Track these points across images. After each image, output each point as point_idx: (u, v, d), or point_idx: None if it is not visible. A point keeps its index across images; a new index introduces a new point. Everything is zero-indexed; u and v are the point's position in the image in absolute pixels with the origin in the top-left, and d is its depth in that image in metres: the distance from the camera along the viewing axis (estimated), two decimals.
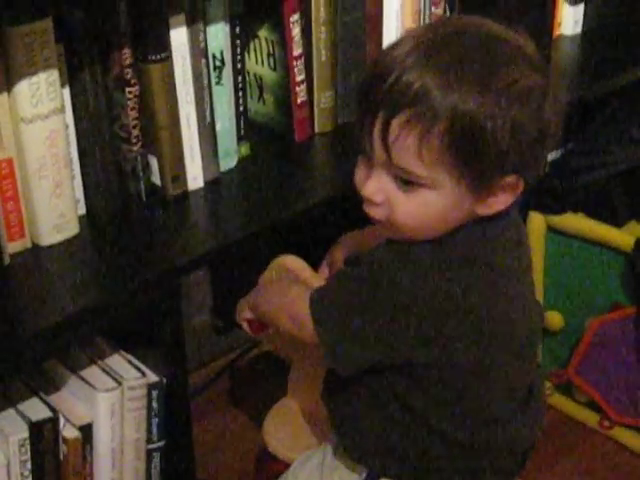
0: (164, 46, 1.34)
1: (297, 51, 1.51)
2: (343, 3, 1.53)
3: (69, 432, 1.35)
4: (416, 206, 1.08)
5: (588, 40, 1.85)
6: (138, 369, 1.39)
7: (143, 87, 1.35)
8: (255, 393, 1.92)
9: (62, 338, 1.26)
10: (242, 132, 1.51)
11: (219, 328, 1.99)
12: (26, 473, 1.32)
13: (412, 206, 1.08)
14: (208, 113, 1.43)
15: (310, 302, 1.16)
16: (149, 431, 1.42)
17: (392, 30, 1.63)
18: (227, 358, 2.00)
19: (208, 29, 1.39)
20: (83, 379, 1.37)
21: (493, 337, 1.13)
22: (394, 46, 1.08)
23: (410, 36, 1.09)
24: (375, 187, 1.10)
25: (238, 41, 1.45)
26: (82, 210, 1.38)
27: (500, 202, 1.10)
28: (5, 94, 1.23)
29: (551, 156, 1.74)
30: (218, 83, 1.43)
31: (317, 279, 1.37)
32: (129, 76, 1.33)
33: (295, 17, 1.48)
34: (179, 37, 1.35)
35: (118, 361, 1.40)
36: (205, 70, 1.40)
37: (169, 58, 1.35)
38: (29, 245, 1.32)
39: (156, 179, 1.42)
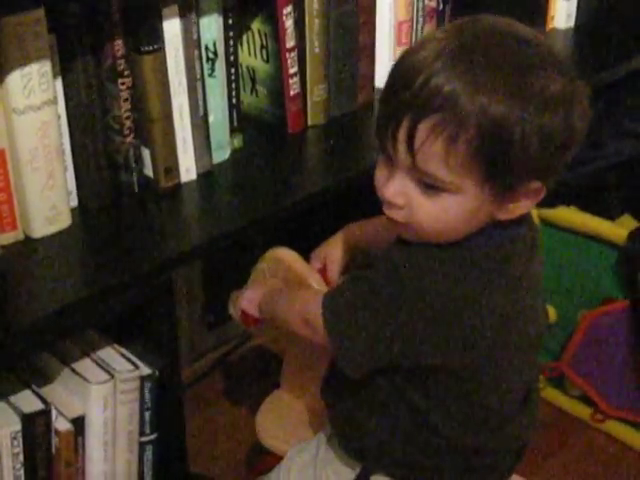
0: (157, 37, 1.33)
1: (290, 43, 1.50)
2: None
3: (61, 424, 1.34)
4: (438, 210, 1.06)
5: (581, 34, 1.85)
6: (131, 361, 1.38)
7: (136, 78, 1.34)
8: (248, 387, 1.92)
9: (54, 330, 1.25)
10: (235, 124, 1.51)
11: (211, 323, 1.99)
12: (18, 466, 1.32)
13: (434, 210, 1.06)
14: (201, 105, 1.42)
15: (323, 305, 1.15)
16: (142, 424, 1.41)
17: (385, 22, 1.64)
18: (219, 352, 1.99)
19: (201, 21, 1.38)
20: (75, 372, 1.36)
21: (506, 340, 1.13)
22: (418, 48, 1.05)
23: (434, 38, 1.05)
24: (397, 190, 1.08)
25: (231, 33, 1.44)
26: (74, 202, 1.38)
27: (521, 208, 1.08)
28: None
29: None
30: (211, 75, 1.43)
31: (310, 271, 1.37)
32: (122, 67, 1.33)
33: (288, 9, 1.48)
34: (172, 28, 1.35)
35: (111, 354, 1.40)
36: (198, 62, 1.40)
37: (162, 49, 1.34)
38: (21, 237, 1.32)
39: (148, 171, 1.41)
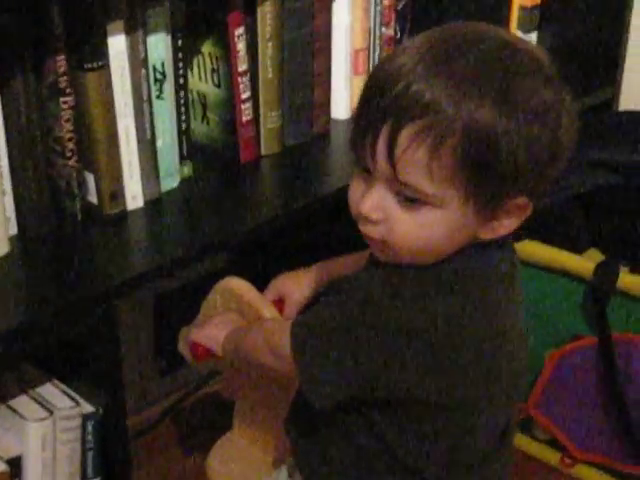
0: (101, 54, 1.29)
1: (242, 67, 1.46)
2: (290, 18, 1.49)
3: None
4: (418, 226, 1.00)
5: None
6: (71, 398, 1.34)
7: (79, 97, 1.30)
8: (200, 434, 1.86)
9: None
10: (185, 151, 1.47)
11: (163, 369, 1.93)
12: None
13: (414, 225, 1.00)
14: (148, 128, 1.38)
15: (291, 333, 1.10)
16: (84, 466, 1.37)
17: (341, 49, 1.61)
18: (171, 400, 1.93)
19: (148, 39, 1.35)
20: (11, 408, 1.32)
21: (484, 370, 1.07)
22: (397, 55, 1.00)
23: (413, 45, 1.01)
24: (374, 203, 1.01)
25: (180, 54, 1.41)
26: (13, 229, 1.33)
27: (505, 226, 1.03)
28: None
29: None
30: (159, 97, 1.38)
31: (263, 302, 1.32)
32: (64, 85, 1.28)
33: (240, 31, 1.44)
34: (117, 45, 1.31)
35: (50, 390, 1.35)
36: (145, 82, 1.36)
37: (107, 67, 1.30)
38: None
39: (92, 197, 1.37)
